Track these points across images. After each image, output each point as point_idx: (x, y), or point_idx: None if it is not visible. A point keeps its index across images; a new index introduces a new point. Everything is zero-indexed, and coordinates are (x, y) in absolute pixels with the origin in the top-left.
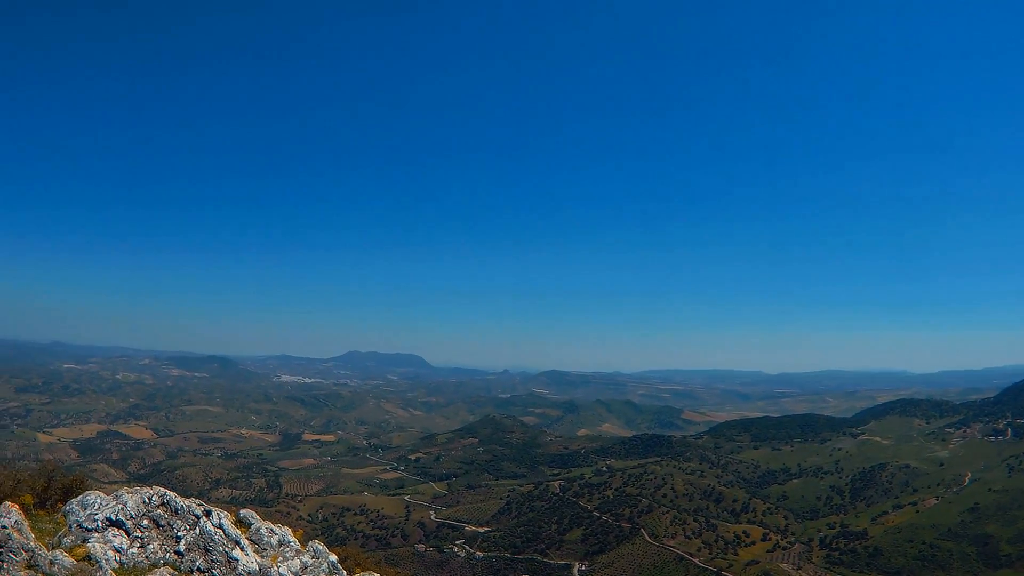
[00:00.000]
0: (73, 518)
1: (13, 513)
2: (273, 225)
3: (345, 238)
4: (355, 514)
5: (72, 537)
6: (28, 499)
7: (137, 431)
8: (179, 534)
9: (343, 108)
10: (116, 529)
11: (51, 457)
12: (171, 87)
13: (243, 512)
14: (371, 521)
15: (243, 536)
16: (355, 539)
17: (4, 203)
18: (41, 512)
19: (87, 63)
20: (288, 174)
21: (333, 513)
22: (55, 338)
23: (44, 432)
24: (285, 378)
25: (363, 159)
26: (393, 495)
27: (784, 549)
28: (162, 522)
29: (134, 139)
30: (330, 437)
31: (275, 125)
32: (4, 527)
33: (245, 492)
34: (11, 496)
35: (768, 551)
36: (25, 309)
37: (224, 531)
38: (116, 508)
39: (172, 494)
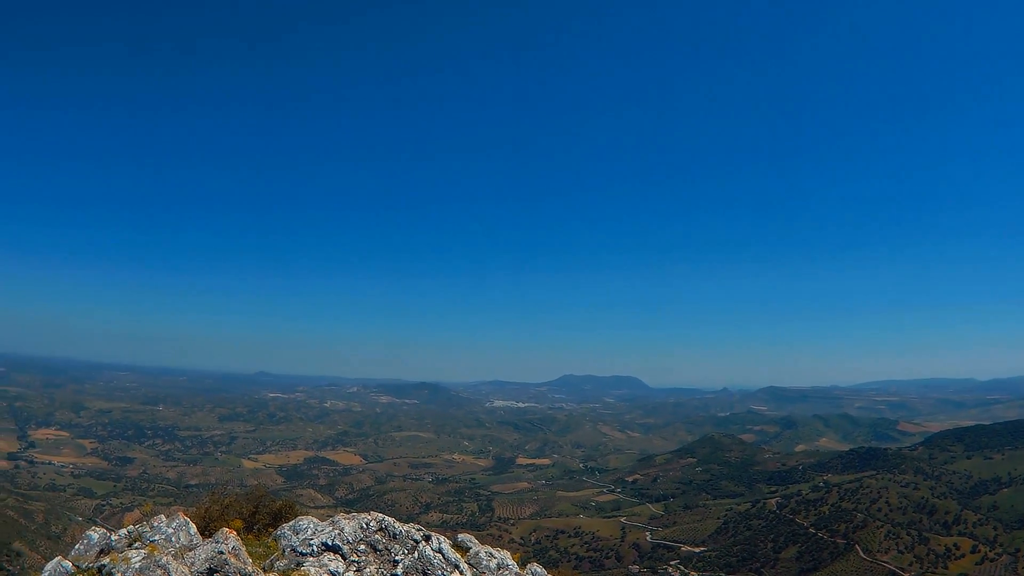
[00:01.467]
0: (285, 542)
1: (231, 539)
2: (485, 253)
3: (558, 261)
4: (569, 536)
5: (285, 561)
6: (238, 524)
7: (345, 457)
8: (397, 558)
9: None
10: (332, 554)
11: (256, 483)
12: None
13: (461, 536)
14: (585, 543)
15: (462, 560)
16: (568, 561)
17: (223, 244)
18: (249, 536)
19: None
20: (498, 201)
21: (546, 536)
22: (261, 369)
23: (249, 458)
24: (498, 403)
25: (586, 179)
26: (608, 517)
27: (992, 561)
28: (380, 547)
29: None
30: (545, 461)
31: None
32: (221, 552)
33: (456, 516)
34: (218, 520)
35: (976, 564)
36: (233, 342)
37: (443, 555)
38: (333, 533)
39: (391, 519)
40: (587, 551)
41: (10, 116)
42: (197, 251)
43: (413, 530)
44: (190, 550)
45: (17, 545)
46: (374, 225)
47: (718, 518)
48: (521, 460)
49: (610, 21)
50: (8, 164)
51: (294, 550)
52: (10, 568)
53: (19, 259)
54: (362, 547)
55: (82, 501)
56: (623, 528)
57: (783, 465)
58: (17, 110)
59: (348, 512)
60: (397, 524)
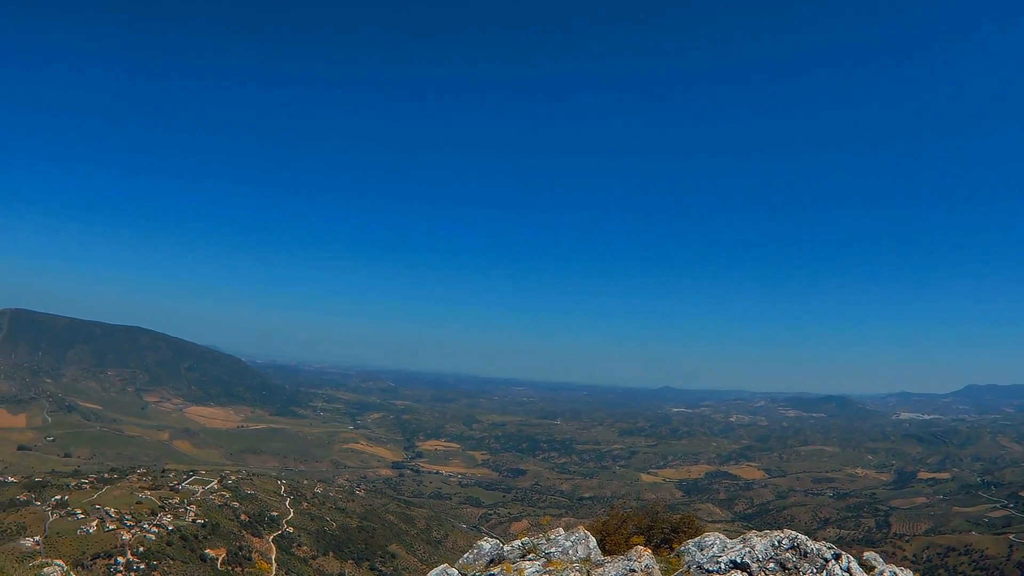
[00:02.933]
0: (689, 558)
1: (645, 556)
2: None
3: (962, 269)
4: (959, 554)
5: None
6: (639, 540)
7: (748, 472)
8: None
9: None
10: (740, 572)
11: (654, 496)
12: None
13: (867, 554)
14: (972, 562)
15: None
16: None
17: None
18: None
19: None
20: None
21: (937, 553)
22: (666, 384)
23: (648, 473)
24: (903, 415)
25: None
26: (998, 534)
27: None
28: (788, 565)
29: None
30: (944, 475)
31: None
32: (633, 570)
33: (852, 532)
34: (615, 534)
35: None
36: (637, 358)
37: (851, 575)
38: (743, 551)
39: (803, 537)
40: (973, 570)
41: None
42: (594, 268)
43: (824, 548)
44: (599, 566)
45: (393, 548)
46: (778, 237)
47: None
48: (922, 474)
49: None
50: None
51: (700, 567)
52: (383, 569)
53: (410, 279)
54: (771, 565)
55: (468, 510)
56: (1010, 546)
57: None
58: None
59: (744, 526)
60: (809, 542)
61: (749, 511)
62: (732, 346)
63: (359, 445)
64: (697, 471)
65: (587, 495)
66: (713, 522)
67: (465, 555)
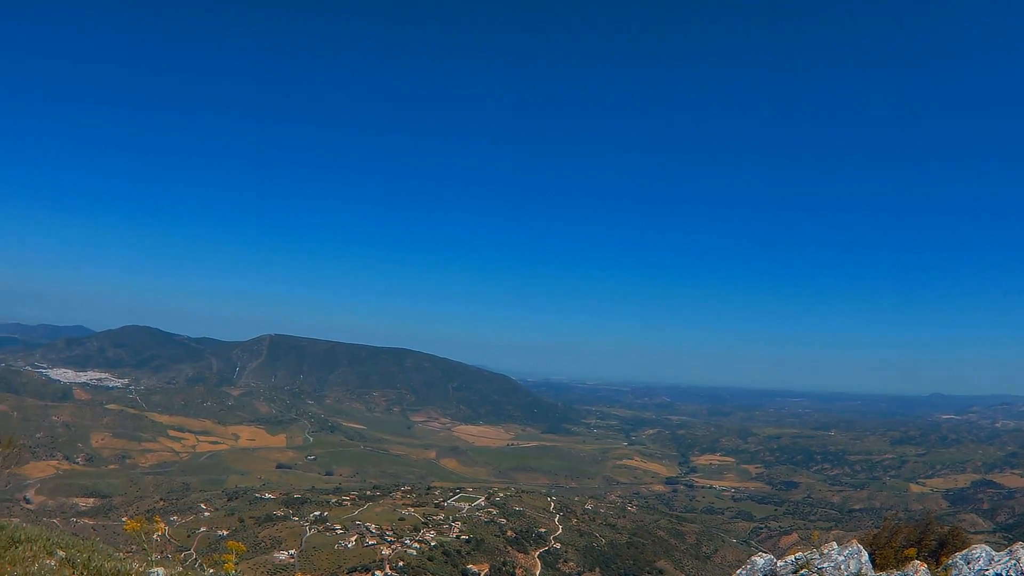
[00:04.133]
0: (957, 572)
1: (921, 571)
2: None
3: None
4: None
5: None
6: (911, 552)
7: (1011, 479)
8: None
9: None
10: None
11: (920, 507)
12: None
13: None
14: None
15: None
16: None
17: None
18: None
19: None
20: None
21: None
22: (936, 390)
23: (916, 483)
24: None
25: None
26: None
27: None
28: None
29: None
30: None
31: None
32: None
33: None
34: (885, 548)
35: None
36: (906, 365)
37: None
38: (1009, 564)
39: None
40: None
41: None
42: (866, 277)
43: None
44: None
45: (661, 563)
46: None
47: None
48: None
49: None
50: None
51: None
52: None
53: (687, 294)
54: None
55: (739, 524)
56: None
57: None
58: None
59: (1004, 537)
60: None
61: (1009, 521)
62: (999, 348)
63: (632, 461)
64: (963, 480)
65: (856, 507)
66: (975, 533)
67: (738, 571)
